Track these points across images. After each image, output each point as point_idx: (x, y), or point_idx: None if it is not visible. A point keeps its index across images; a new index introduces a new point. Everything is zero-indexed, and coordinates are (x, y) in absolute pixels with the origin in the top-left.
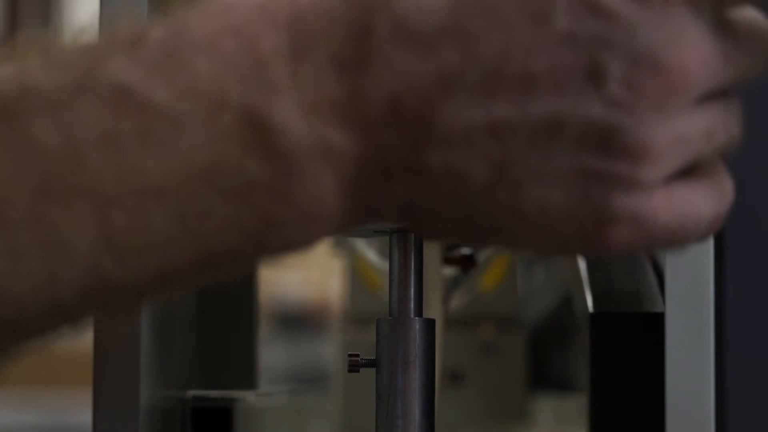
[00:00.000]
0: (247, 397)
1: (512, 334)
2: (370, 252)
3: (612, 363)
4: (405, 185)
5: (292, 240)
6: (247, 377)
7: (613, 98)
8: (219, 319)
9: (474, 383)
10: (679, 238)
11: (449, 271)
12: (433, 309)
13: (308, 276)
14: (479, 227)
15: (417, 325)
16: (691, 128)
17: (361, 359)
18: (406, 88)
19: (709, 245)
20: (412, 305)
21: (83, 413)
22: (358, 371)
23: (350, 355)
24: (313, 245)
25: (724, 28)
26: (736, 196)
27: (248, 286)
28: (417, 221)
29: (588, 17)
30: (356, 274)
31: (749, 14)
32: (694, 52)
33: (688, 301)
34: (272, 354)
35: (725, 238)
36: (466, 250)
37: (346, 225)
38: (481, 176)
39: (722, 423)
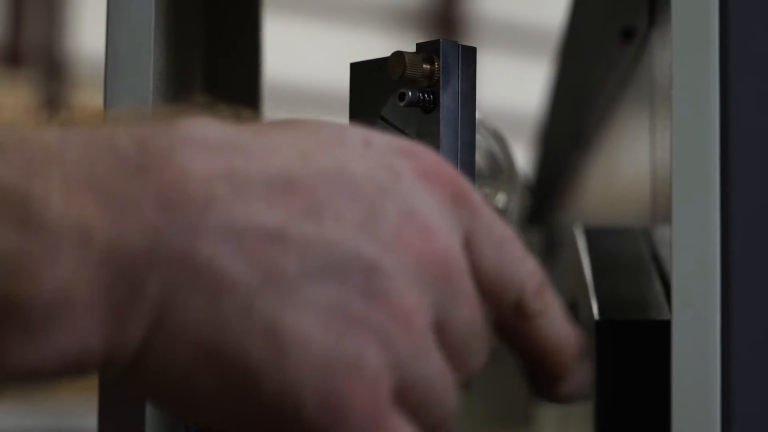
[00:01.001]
0: None
1: None
2: None
3: (617, 370)
4: (165, 276)
5: (27, 340)
6: None
7: (384, 239)
8: None
9: (479, 389)
10: None
11: None
12: None
13: None
14: (229, 350)
15: None
16: (431, 357)
17: None
18: (193, 174)
19: (716, 253)
20: None
21: (83, 417)
22: None
23: None
24: (45, 367)
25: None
26: (744, 203)
27: None
28: (165, 337)
29: (377, 169)
30: None
31: None
32: (454, 243)
33: (695, 309)
34: None
35: (731, 246)
36: None
37: (89, 341)
38: (246, 280)
39: (729, 431)
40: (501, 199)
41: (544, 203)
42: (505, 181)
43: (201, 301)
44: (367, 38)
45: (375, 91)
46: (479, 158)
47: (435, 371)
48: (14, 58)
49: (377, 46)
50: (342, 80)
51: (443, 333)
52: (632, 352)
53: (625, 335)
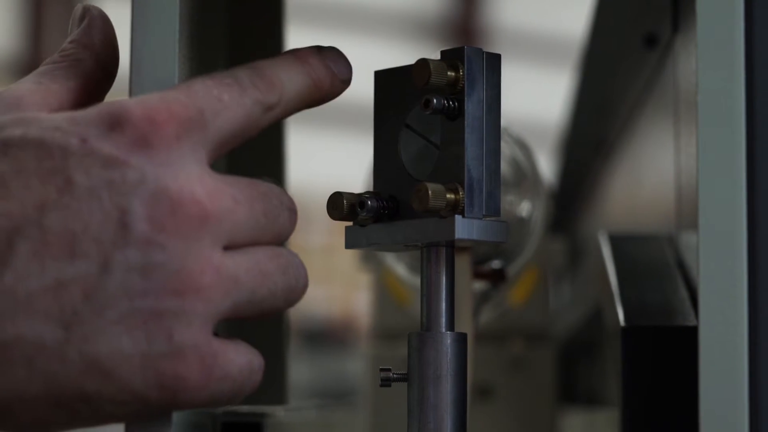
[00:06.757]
0: (277, 412)
1: (541, 348)
2: (399, 267)
3: (644, 377)
4: None
5: None
6: (276, 393)
7: (143, 237)
8: (249, 335)
9: (503, 398)
10: (242, 387)
11: (479, 285)
12: (464, 323)
13: (332, 292)
14: (63, 402)
15: (448, 339)
16: (238, 267)
17: (393, 374)
18: None
19: (743, 258)
20: (444, 319)
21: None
22: (389, 386)
23: (382, 370)
24: None
25: (218, 174)
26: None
27: None
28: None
29: (101, 169)
30: (384, 289)
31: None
32: (199, 185)
33: (723, 314)
34: (296, 369)
35: (758, 251)
36: (496, 264)
37: None
38: (51, 338)
39: None
40: (525, 206)
41: (567, 211)
42: (529, 189)
43: (19, 370)
44: (385, 48)
45: (399, 98)
46: (503, 165)
47: (249, 280)
48: (33, 70)
49: (397, 55)
50: (363, 88)
51: (237, 241)
52: (658, 358)
53: (651, 341)
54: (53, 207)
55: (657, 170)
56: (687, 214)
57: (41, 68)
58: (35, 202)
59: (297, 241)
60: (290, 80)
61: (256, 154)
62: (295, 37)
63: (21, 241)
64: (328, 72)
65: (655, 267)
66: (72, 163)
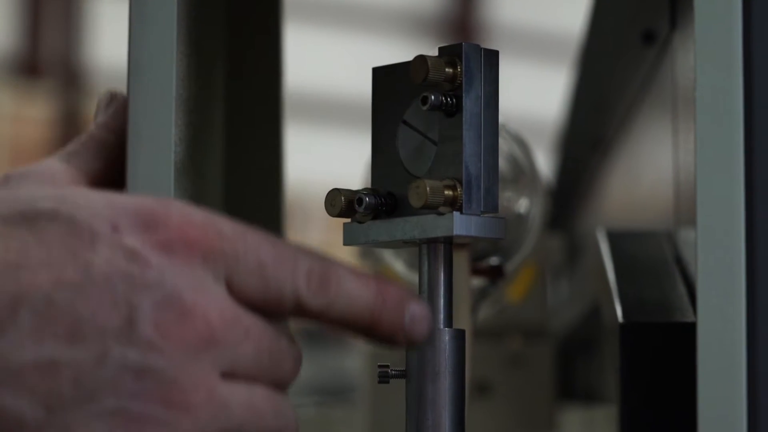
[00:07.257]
0: None
1: (540, 345)
2: (397, 263)
3: (642, 373)
4: None
5: None
6: None
7: (146, 339)
8: None
9: (502, 394)
10: None
11: (477, 281)
12: (462, 320)
13: None
14: None
15: (447, 335)
16: (232, 396)
17: (392, 370)
18: None
19: (741, 254)
20: (442, 316)
21: None
22: (388, 382)
23: (380, 366)
24: None
25: (237, 298)
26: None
27: None
28: None
29: (122, 260)
30: None
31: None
32: (214, 306)
33: (721, 310)
34: None
35: (757, 247)
36: (494, 261)
37: None
38: (32, 417)
39: None
40: (523, 203)
41: (565, 208)
42: (527, 185)
43: None
44: (383, 45)
45: (397, 95)
46: (501, 162)
47: (240, 413)
48: (32, 69)
49: (395, 52)
50: (361, 86)
51: (237, 372)
52: (657, 354)
53: (649, 338)
54: (66, 286)
55: (655, 167)
56: (685, 211)
57: (68, 147)
58: (50, 277)
59: (295, 237)
60: (348, 293)
61: (255, 150)
62: (294, 34)
63: (25, 310)
64: (397, 318)
65: (654, 263)
66: (97, 248)
